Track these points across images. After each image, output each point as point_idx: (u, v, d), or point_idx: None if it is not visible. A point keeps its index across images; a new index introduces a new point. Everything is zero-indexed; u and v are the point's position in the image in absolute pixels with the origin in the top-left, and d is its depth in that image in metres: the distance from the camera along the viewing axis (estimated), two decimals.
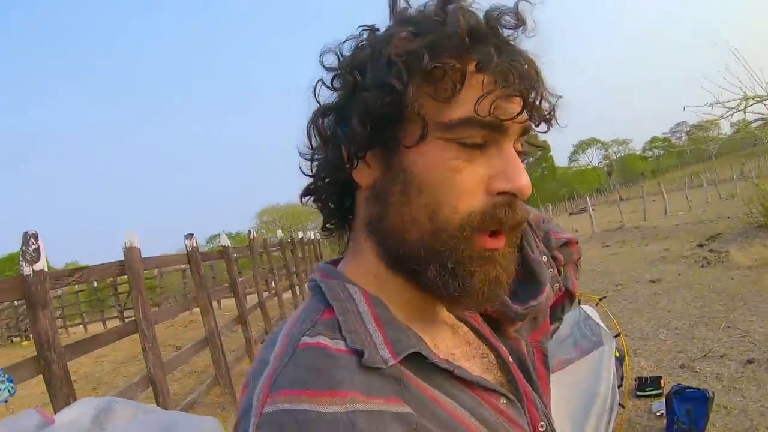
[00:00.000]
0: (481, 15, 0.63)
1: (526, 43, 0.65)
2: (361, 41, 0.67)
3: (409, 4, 0.66)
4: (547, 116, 0.67)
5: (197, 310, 7.10)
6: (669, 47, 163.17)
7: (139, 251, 5.21)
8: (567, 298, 0.99)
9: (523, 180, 0.62)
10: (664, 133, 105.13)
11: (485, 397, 0.66)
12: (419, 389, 0.60)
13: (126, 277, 5.12)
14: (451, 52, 0.59)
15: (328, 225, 0.76)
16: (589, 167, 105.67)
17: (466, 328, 0.78)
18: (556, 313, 0.97)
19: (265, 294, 10.81)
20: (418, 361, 0.62)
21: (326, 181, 0.72)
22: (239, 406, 0.58)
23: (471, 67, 0.60)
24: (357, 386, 0.54)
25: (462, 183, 0.61)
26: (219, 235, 10.88)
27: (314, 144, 0.71)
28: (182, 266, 23.30)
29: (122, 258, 5.09)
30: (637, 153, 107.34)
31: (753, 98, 10.78)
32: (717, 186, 31.44)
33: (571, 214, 47.65)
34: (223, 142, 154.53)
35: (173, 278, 25.82)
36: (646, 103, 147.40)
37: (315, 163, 0.72)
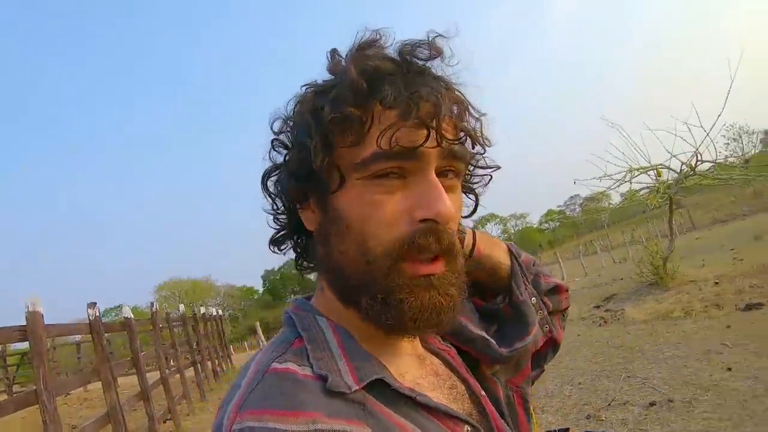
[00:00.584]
0: (396, 49, 0.69)
1: (448, 70, 0.71)
2: (298, 100, 0.72)
3: (340, 56, 0.71)
4: (462, 137, 0.69)
5: (92, 387, 6.70)
6: (561, 127, 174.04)
7: (42, 316, 4.93)
8: (551, 347, 0.98)
9: (440, 206, 0.63)
10: (559, 206, 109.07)
11: (449, 424, 0.68)
12: (383, 415, 0.62)
13: (14, 348, 4.81)
14: (352, 100, 0.64)
15: (298, 266, 0.81)
16: None
17: (436, 360, 0.80)
18: (539, 360, 0.97)
19: (167, 371, 10.36)
20: (383, 388, 0.65)
21: (285, 231, 0.79)
22: (212, 427, 0.61)
23: (378, 107, 0.64)
24: (320, 408, 0.57)
25: (384, 215, 0.64)
26: (120, 306, 10.43)
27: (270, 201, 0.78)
28: (77, 339, 21.72)
29: (23, 323, 4.79)
30: (535, 226, 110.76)
31: (637, 169, 11.66)
32: (610, 251, 32.93)
33: None
34: (114, 213, 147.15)
35: (66, 351, 24.05)
36: (542, 179, 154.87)
37: (275, 217, 0.79)
